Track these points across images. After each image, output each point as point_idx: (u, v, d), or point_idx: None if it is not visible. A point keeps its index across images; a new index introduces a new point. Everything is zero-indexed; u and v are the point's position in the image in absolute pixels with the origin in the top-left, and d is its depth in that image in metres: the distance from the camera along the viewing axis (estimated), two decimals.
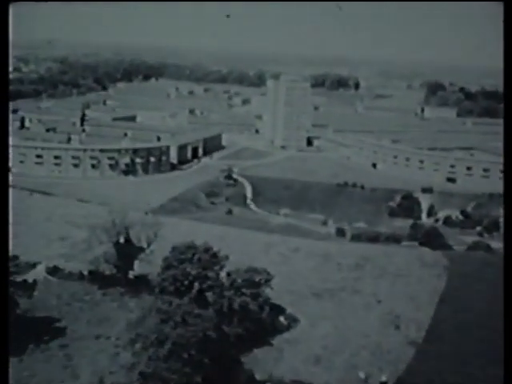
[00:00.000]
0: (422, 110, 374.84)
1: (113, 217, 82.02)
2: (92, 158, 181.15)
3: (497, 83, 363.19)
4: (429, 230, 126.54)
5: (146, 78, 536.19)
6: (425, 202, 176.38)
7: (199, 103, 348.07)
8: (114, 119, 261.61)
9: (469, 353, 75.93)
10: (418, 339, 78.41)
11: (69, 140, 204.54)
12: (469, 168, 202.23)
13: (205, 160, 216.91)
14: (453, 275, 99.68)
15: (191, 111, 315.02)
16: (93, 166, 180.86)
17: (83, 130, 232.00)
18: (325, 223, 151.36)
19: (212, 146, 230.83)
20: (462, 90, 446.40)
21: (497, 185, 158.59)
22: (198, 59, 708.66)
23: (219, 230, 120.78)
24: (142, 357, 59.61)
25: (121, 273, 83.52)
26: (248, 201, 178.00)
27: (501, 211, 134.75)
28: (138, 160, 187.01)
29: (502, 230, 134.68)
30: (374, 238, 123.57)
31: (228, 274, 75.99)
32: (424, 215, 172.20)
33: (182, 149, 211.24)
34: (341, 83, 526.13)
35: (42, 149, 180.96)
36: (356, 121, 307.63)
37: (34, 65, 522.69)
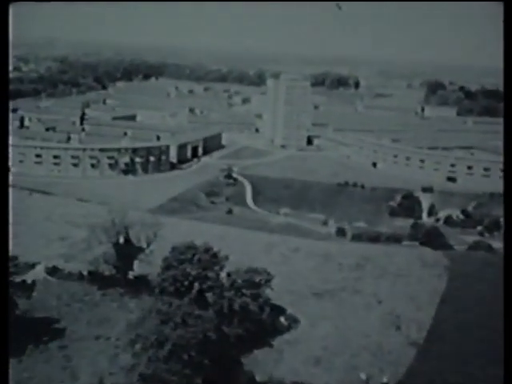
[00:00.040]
0: (422, 109, 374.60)
1: (112, 217, 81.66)
2: (91, 157, 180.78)
3: (497, 82, 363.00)
4: (429, 230, 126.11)
5: (146, 77, 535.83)
6: (425, 201, 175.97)
7: (199, 102, 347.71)
8: (114, 118, 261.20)
9: (470, 353, 75.58)
10: (419, 340, 78.04)
11: (68, 139, 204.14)
12: (469, 167, 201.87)
13: (205, 159, 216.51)
14: (454, 275, 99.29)
15: (191, 110, 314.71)
16: (92, 166, 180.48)
17: (83, 130, 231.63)
18: (325, 223, 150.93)
19: (212, 145, 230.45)
20: (462, 88, 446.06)
21: (497, 184, 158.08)
22: (198, 58, 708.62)
23: (219, 229, 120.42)
24: (141, 358, 59.29)
25: (120, 273, 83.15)
26: (248, 200, 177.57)
27: (501, 211, 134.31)
28: (137, 159, 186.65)
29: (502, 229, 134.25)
30: (375, 238, 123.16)
31: (228, 275, 75.66)
32: (424, 215, 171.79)
33: (181, 148, 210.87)
34: (341, 82, 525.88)
35: (42, 148, 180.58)
36: (356, 120, 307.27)
37: (33, 64, 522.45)
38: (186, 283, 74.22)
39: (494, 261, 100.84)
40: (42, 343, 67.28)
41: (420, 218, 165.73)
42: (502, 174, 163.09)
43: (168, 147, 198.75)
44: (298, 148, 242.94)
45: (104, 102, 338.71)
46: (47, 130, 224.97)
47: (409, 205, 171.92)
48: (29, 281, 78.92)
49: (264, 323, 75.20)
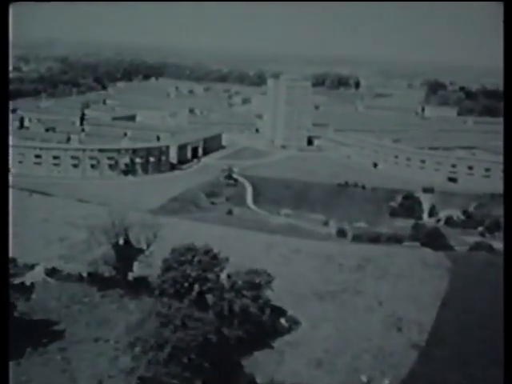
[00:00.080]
0: (423, 109, 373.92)
1: (112, 218, 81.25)
2: (91, 157, 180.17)
3: (497, 82, 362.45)
4: (430, 231, 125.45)
5: (146, 77, 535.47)
6: (426, 201, 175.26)
7: (199, 102, 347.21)
8: (114, 119, 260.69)
9: (472, 355, 75.12)
10: (421, 342, 77.61)
11: (68, 140, 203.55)
12: (470, 167, 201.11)
13: (205, 160, 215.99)
14: (455, 276, 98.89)
15: (191, 111, 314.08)
16: (92, 166, 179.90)
17: (83, 130, 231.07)
18: (326, 223, 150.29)
19: (212, 145, 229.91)
20: (462, 89, 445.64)
21: (498, 184, 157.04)
22: (198, 59, 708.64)
23: (219, 230, 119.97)
24: (141, 361, 58.82)
25: (120, 275, 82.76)
26: (248, 201, 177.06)
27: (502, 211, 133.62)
28: (137, 160, 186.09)
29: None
30: (376, 239, 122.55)
31: (228, 276, 75.23)
32: (425, 215, 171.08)
33: (181, 148, 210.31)
34: (341, 82, 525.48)
35: (41, 149, 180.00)
36: (356, 120, 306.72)
37: (34, 64, 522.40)
38: (186, 285, 73.91)
39: (496, 261, 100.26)
40: (40, 346, 66.89)
41: (421, 218, 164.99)
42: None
43: (168, 148, 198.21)
44: (298, 148, 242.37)
45: (104, 103, 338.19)
46: (47, 130, 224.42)
47: (409, 205, 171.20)
48: (28, 282, 78.40)
49: (264, 325, 74.80)
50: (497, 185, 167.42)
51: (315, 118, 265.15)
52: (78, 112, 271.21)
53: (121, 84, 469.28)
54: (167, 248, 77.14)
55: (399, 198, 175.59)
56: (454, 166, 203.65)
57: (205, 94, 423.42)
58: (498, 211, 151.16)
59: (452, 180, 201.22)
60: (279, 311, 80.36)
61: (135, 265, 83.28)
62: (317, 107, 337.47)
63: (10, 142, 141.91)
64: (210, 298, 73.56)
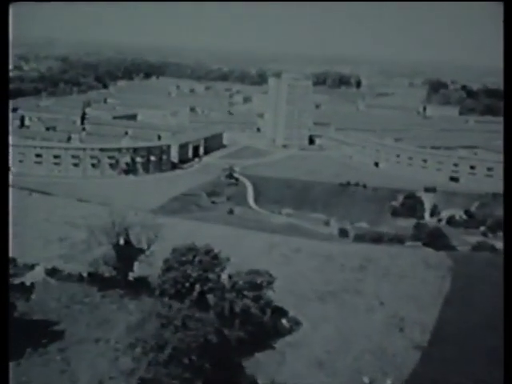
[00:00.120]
0: (424, 109, 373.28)
1: (113, 218, 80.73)
2: (92, 157, 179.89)
3: (498, 81, 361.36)
4: (432, 231, 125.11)
5: (147, 76, 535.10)
6: (428, 201, 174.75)
7: (200, 101, 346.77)
8: (115, 118, 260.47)
9: (474, 355, 74.55)
10: (423, 342, 77.07)
11: (69, 139, 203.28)
12: (472, 167, 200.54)
13: (206, 159, 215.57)
14: (457, 276, 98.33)
15: (192, 109, 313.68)
16: (93, 166, 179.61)
17: (83, 129, 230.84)
18: (327, 223, 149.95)
19: (213, 144, 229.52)
20: (463, 88, 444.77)
21: (500, 184, 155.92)
22: (199, 58, 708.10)
23: (220, 230, 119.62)
24: (141, 362, 58.32)
25: (120, 275, 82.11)
26: (249, 200, 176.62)
27: None
28: (138, 159, 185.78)
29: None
30: (378, 239, 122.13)
31: (229, 277, 74.73)
32: (427, 215, 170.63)
33: (182, 148, 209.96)
34: (342, 81, 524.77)
35: (42, 148, 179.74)
36: (358, 119, 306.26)
37: (34, 63, 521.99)
38: (187, 285, 73.39)
39: (498, 262, 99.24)
40: (40, 346, 66.30)
41: (422, 218, 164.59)
42: None
43: (169, 147, 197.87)
44: (299, 147, 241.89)
45: (105, 102, 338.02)
46: (47, 129, 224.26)
47: (411, 205, 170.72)
48: (28, 283, 77.94)
49: (266, 326, 74.28)
50: (499, 184, 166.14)
51: (316, 117, 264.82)
52: (78, 111, 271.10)
53: (122, 83, 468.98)
54: (168, 248, 76.65)
55: (401, 198, 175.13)
56: (456, 165, 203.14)
57: (206, 93, 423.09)
58: (500, 211, 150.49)
59: (454, 179, 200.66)
60: (280, 312, 79.83)
61: (136, 265, 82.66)
62: (318, 106, 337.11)
63: (11, 141, 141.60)
64: (210, 298, 73.07)
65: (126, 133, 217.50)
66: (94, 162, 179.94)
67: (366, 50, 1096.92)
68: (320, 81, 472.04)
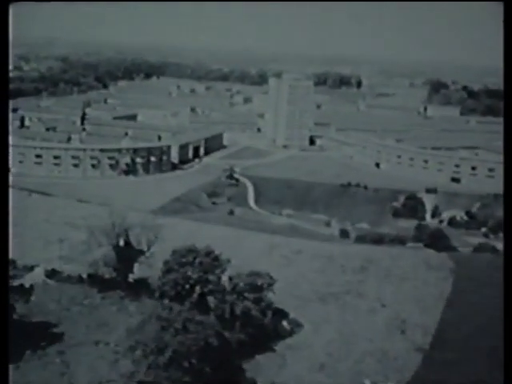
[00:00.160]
0: (425, 109, 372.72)
1: (113, 218, 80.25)
2: (92, 157, 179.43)
3: (499, 81, 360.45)
4: (434, 232, 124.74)
5: (148, 76, 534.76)
6: (429, 202, 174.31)
7: (201, 101, 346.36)
8: (115, 118, 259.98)
9: (477, 358, 74.04)
10: (425, 345, 76.55)
11: (69, 139, 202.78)
12: (473, 168, 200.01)
13: (206, 159, 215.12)
14: (459, 278, 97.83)
15: (193, 110, 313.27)
16: (93, 166, 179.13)
17: (83, 129, 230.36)
18: (328, 224, 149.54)
19: (213, 145, 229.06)
20: (464, 88, 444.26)
21: (502, 185, 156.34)
22: (199, 58, 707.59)
23: (221, 231, 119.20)
24: (141, 365, 57.85)
25: (120, 276, 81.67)
26: (250, 201, 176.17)
27: None
28: (138, 160, 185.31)
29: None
30: (379, 240, 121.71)
31: (230, 278, 74.25)
32: (428, 216, 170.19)
33: (183, 148, 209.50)
34: (343, 81, 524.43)
35: (42, 148, 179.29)
36: (358, 119, 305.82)
37: (35, 63, 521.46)
38: (187, 287, 73.00)
39: (499, 263, 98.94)
40: (39, 348, 65.84)
41: (424, 219, 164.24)
42: None
43: (169, 147, 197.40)
44: (300, 148, 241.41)
45: (105, 102, 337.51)
46: (47, 129, 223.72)
47: (412, 206, 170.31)
48: (27, 284, 77.46)
49: (266, 328, 73.79)
50: (500, 185, 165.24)
51: (317, 117, 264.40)
52: (78, 111, 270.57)
53: (122, 83, 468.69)
54: (168, 249, 76.19)
55: (402, 199, 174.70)
56: (457, 166, 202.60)
57: (206, 93, 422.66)
58: (502, 212, 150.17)
59: (455, 180, 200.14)
60: (281, 314, 79.34)
61: (136, 266, 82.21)
62: (318, 106, 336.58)
63: (11, 142, 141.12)
64: (211, 300, 72.62)
65: (126, 133, 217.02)
66: (94, 162, 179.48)
67: (366, 50, 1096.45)
68: (320, 81, 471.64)
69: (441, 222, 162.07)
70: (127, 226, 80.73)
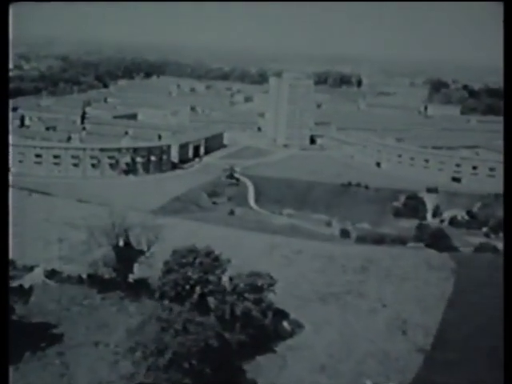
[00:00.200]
0: (426, 108, 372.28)
1: (112, 218, 79.92)
2: (92, 157, 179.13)
3: (500, 81, 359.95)
4: (435, 232, 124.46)
5: (148, 75, 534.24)
6: (430, 202, 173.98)
7: (201, 100, 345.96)
8: (115, 117, 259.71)
9: (478, 358, 73.72)
10: (426, 346, 76.21)
11: (69, 139, 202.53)
12: (474, 167, 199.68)
13: (206, 159, 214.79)
14: (461, 278, 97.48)
15: (193, 109, 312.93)
16: (93, 166, 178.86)
17: (84, 128, 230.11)
18: (329, 224, 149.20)
19: (214, 144, 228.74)
20: (465, 87, 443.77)
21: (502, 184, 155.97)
22: (199, 57, 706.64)
23: (221, 231, 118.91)
24: (141, 366, 57.52)
25: (120, 276, 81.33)
26: (250, 201, 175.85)
27: None
28: (138, 159, 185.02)
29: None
30: (380, 240, 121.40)
31: (230, 279, 73.90)
32: (429, 215, 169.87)
33: (183, 147, 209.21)
34: (343, 80, 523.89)
35: (42, 148, 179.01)
36: (359, 118, 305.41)
37: (35, 62, 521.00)
38: (187, 287, 72.62)
39: (500, 263, 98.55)
40: (39, 349, 65.52)
41: (424, 218, 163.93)
42: None
43: (169, 147, 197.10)
44: (300, 147, 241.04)
45: (105, 101, 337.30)
46: (47, 129, 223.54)
47: (413, 205, 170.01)
48: (26, 285, 77.13)
49: (267, 329, 73.45)
50: (501, 185, 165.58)
51: (317, 116, 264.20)
52: (78, 110, 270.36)
53: (122, 82, 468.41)
54: (168, 249, 75.84)
55: (403, 198, 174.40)
56: (458, 165, 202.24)
57: (206, 92, 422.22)
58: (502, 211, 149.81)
59: (456, 180, 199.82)
60: (282, 314, 79.01)
61: (136, 266, 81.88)
62: (319, 105, 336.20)
63: (11, 141, 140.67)
64: (211, 300, 72.29)
65: (127, 132, 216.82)
66: (94, 162, 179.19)
67: (366, 50, 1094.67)
68: (321, 80, 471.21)
69: (442, 221, 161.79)
70: (127, 226, 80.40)
